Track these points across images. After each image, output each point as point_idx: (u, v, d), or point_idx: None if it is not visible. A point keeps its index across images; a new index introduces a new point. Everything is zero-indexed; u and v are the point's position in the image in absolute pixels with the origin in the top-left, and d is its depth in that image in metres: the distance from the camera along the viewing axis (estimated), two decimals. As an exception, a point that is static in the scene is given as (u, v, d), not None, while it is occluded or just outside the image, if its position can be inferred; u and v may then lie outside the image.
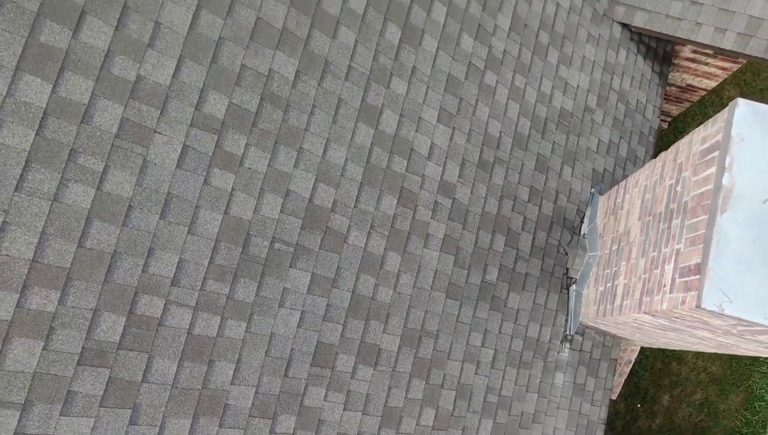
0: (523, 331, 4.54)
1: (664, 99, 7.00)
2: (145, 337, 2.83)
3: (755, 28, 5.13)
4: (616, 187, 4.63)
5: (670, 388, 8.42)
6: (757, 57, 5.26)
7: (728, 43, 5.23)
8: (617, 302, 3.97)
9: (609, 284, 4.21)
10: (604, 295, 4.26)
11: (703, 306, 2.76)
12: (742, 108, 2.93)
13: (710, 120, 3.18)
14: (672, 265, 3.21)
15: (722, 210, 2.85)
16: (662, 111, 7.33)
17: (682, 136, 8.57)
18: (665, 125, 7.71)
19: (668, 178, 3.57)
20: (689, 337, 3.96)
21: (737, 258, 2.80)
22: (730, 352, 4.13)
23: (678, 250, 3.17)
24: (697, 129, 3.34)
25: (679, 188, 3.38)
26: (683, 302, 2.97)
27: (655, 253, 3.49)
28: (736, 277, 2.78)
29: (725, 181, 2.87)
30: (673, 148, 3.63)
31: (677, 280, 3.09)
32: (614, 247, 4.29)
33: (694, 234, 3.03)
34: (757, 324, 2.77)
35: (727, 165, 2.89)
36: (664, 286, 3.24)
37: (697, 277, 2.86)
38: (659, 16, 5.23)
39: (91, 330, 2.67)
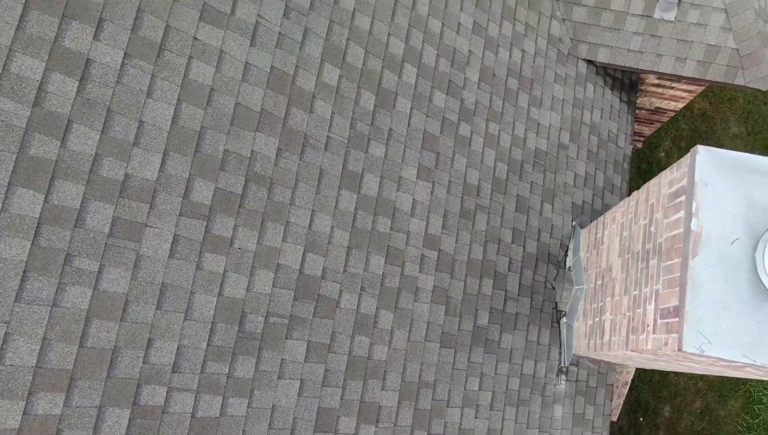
0: (519, 369, 4.64)
1: (636, 121, 7.21)
2: (150, 427, 2.90)
3: (713, 55, 5.36)
4: (595, 222, 4.78)
5: (670, 398, 8.52)
6: (717, 82, 5.48)
7: (689, 71, 5.45)
8: (606, 338, 4.09)
9: (597, 319, 4.33)
10: (593, 330, 4.38)
11: (684, 349, 2.89)
12: (703, 155, 3.10)
13: (675, 165, 3.35)
14: (653, 305, 3.34)
15: (693, 254, 3.00)
16: (635, 132, 7.55)
17: (658, 152, 8.80)
18: (640, 145, 7.94)
19: (642, 218, 3.72)
20: (678, 365, 4.08)
21: (712, 299, 2.94)
22: (720, 375, 4.25)
23: (657, 291, 3.31)
24: (664, 172, 3.50)
25: (653, 229, 3.52)
26: (666, 344, 3.09)
27: (636, 292, 3.63)
28: (712, 318, 2.92)
29: (694, 225, 3.02)
30: (644, 188, 3.79)
31: (659, 321, 3.22)
32: (599, 282, 4.42)
33: (670, 276, 3.17)
34: (737, 361, 2.90)
35: (694, 210, 3.04)
36: (648, 326, 3.37)
37: (677, 319, 2.99)
38: (621, 50, 5.44)
39: (98, 427, 2.74)
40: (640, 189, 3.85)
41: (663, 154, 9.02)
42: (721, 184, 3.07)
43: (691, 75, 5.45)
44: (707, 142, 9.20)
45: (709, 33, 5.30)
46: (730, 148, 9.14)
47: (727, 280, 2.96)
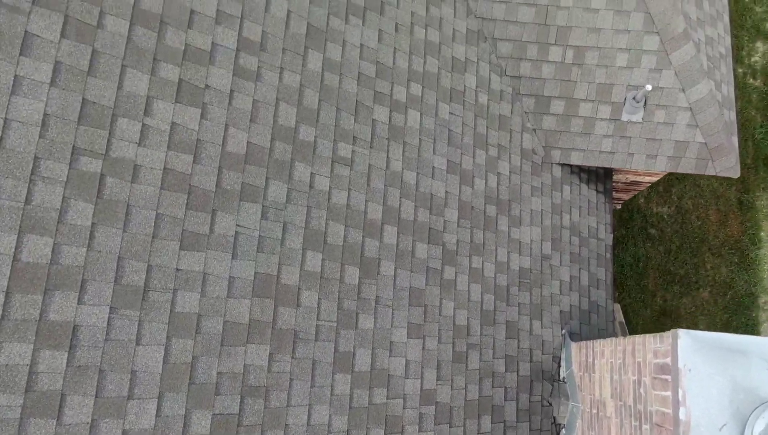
0: (525, 495, 4.73)
1: (614, 190, 7.32)
2: None
3: (683, 150, 5.47)
4: (585, 343, 4.87)
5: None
6: (689, 173, 5.60)
7: (661, 166, 5.56)
8: (606, 475, 4.18)
9: (596, 449, 4.43)
10: (593, 459, 4.47)
11: None
12: (684, 339, 3.19)
13: (658, 336, 3.43)
14: (649, 474, 3.43)
15: (684, 443, 3.08)
16: (614, 197, 7.66)
17: (637, 199, 8.91)
18: (618, 206, 8.06)
19: (631, 373, 3.81)
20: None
21: (706, 489, 3.03)
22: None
23: (652, 463, 3.40)
24: (648, 337, 3.59)
25: (642, 392, 3.61)
26: None
27: (632, 449, 3.72)
28: (708, 509, 3.01)
29: (682, 415, 3.11)
30: (630, 341, 3.88)
31: (657, 497, 3.31)
32: (593, 411, 4.51)
33: (663, 454, 3.26)
34: None
35: (681, 398, 3.13)
36: (646, 494, 3.46)
37: (674, 506, 3.08)
38: (593, 152, 5.53)
39: None
40: (626, 339, 3.94)
41: (642, 200, 9.17)
42: (704, 367, 3.16)
43: (663, 169, 5.57)
44: (684, 183, 9.36)
45: (677, 130, 5.41)
46: (706, 187, 9.29)
47: (718, 468, 3.05)
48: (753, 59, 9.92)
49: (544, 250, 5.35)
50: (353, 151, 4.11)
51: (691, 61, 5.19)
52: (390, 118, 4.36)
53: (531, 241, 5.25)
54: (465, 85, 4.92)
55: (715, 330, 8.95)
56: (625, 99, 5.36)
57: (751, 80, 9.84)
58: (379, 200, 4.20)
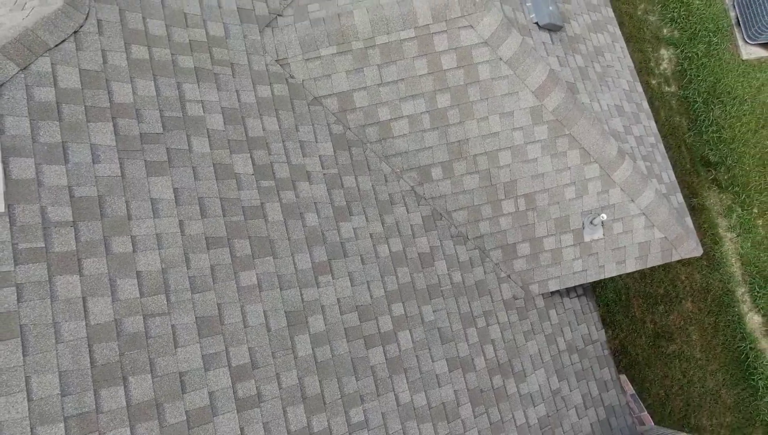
0: None
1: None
2: None
3: (647, 248, 5.73)
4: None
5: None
6: (657, 264, 5.88)
7: (631, 267, 5.82)
8: None
9: None
10: None
11: None
12: None
13: None
14: None
15: None
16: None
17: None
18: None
19: None
20: None
21: None
22: None
23: None
24: None
25: None
26: None
27: None
28: None
29: None
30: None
31: None
32: None
33: None
34: None
35: None
36: None
37: None
38: (567, 276, 5.73)
39: None
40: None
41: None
42: None
43: (633, 269, 5.82)
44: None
45: (637, 234, 5.66)
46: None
47: None
48: (662, 67, 10.38)
49: (552, 386, 5.52)
50: (364, 410, 4.15)
51: (632, 175, 5.43)
52: (385, 354, 4.42)
53: (539, 386, 5.41)
54: (437, 275, 5.02)
55: (706, 336, 9.41)
56: (583, 223, 5.57)
57: (666, 87, 10.31)
58: (400, 451, 4.26)
